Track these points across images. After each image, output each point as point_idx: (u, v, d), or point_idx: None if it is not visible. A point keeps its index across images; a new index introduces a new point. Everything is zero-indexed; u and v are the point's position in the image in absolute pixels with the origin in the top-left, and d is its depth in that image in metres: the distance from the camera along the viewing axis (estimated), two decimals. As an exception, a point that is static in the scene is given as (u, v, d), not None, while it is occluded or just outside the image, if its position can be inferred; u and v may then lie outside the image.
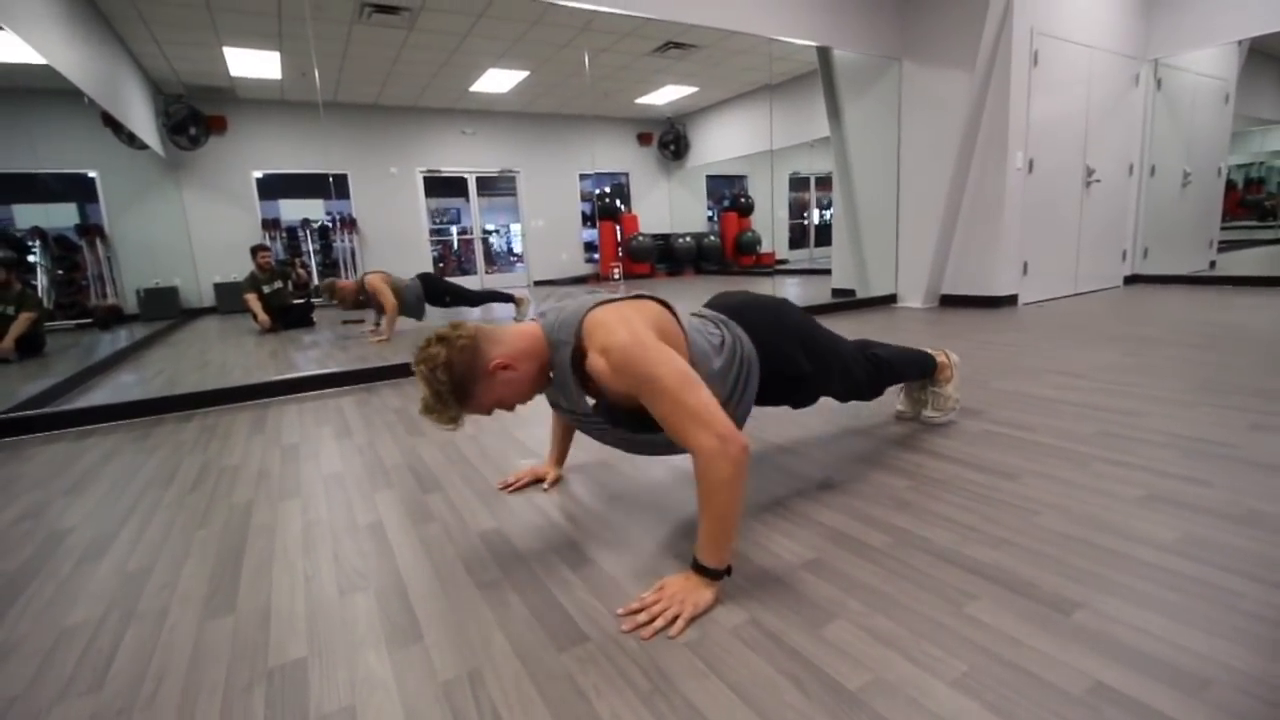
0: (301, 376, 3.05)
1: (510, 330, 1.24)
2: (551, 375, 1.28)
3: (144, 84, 6.30)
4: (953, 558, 1.22)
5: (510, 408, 1.25)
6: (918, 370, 1.96)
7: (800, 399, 1.58)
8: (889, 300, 5.16)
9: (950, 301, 4.86)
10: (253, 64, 6.14)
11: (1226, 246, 6.57)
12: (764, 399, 1.47)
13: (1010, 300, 4.63)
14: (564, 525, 1.46)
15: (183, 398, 2.77)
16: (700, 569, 1.11)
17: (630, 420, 1.24)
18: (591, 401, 1.28)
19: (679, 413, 1.09)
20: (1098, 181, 5.04)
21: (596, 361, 1.15)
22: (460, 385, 1.15)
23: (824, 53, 5.22)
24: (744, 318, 1.44)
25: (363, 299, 4.75)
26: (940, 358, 2.00)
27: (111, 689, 0.98)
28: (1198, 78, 5.57)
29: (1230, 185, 6.66)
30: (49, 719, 0.92)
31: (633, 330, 1.15)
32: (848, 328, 4.09)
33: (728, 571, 1.12)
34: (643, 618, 1.06)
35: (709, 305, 1.54)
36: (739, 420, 1.36)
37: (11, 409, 2.57)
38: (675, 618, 1.05)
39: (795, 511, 1.46)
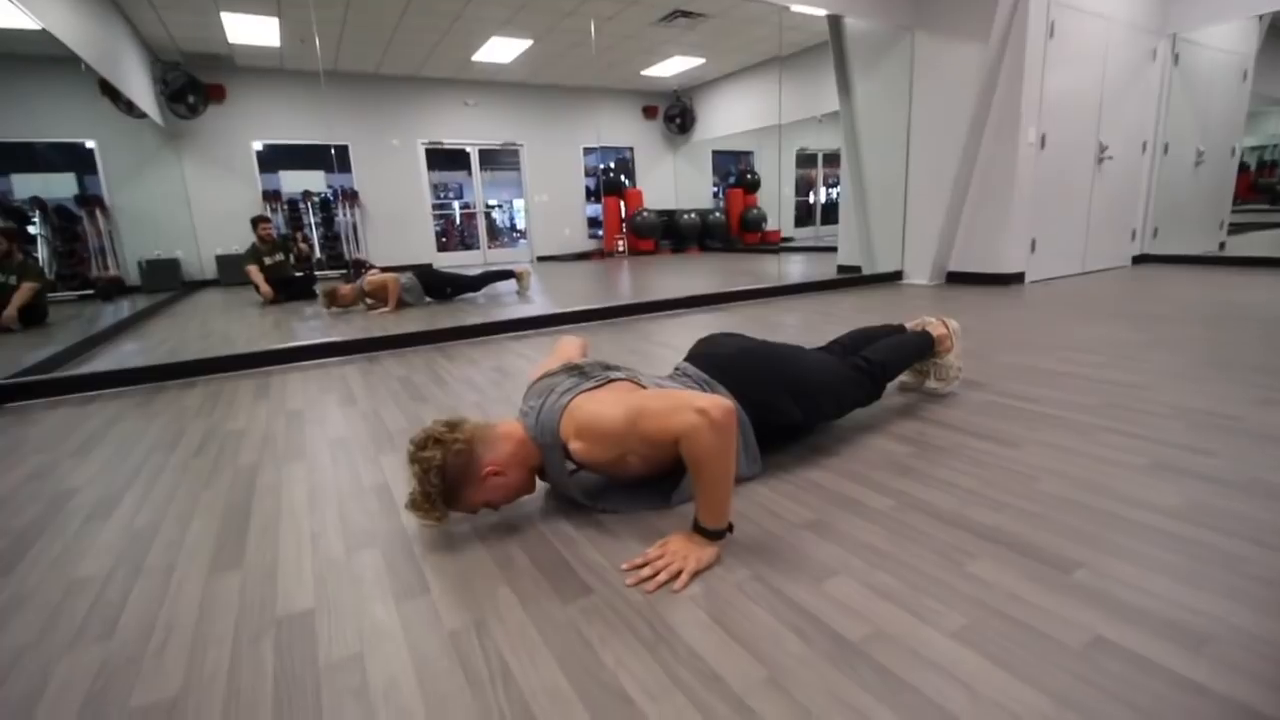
0: (305, 345, 3.06)
1: (499, 433, 1.25)
2: (547, 474, 1.32)
3: (141, 50, 6.21)
4: (954, 520, 1.23)
5: (495, 508, 1.28)
6: (915, 356, 1.95)
7: (796, 437, 1.65)
8: (895, 277, 5.13)
9: (957, 279, 4.83)
10: (251, 30, 6.04)
11: (1236, 229, 6.49)
12: (760, 443, 1.49)
13: (1017, 278, 4.60)
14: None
15: (186, 364, 2.78)
16: (701, 530, 1.12)
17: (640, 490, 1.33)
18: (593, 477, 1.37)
19: (654, 420, 1.11)
20: (1110, 159, 4.97)
21: (577, 447, 1.20)
22: (451, 488, 1.17)
23: (835, 22, 5.12)
24: (729, 375, 1.46)
25: (369, 302, 4.71)
26: (939, 329, 1.98)
27: (121, 638, 0.99)
28: (1216, 53, 5.46)
29: (1243, 167, 6.57)
30: (60, 666, 0.93)
31: (597, 401, 1.22)
32: (852, 305, 4.08)
33: (729, 529, 1.13)
34: (646, 572, 1.08)
35: (690, 357, 1.56)
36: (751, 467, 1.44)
37: (15, 375, 2.58)
38: (679, 572, 1.06)
39: (797, 476, 1.47)
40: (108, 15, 5.13)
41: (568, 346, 1.62)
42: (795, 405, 1.49)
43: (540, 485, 1.39)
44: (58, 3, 3.89)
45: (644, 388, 1.32)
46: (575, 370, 1.36)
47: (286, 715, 0.81)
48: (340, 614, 1.02)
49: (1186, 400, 1.88)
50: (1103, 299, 3.80)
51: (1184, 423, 1.70)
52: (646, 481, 1.36)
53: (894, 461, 1.53)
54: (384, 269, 5.08)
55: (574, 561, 1.15)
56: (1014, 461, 1.49)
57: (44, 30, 3.69)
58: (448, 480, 1.16)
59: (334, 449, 1.81)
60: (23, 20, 3.60)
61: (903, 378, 2.11)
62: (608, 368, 1.40)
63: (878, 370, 1.73)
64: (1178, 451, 1.51)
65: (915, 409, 1.92)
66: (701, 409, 1.06)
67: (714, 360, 1.50)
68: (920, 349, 1.93)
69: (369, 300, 4.69)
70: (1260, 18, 5.38)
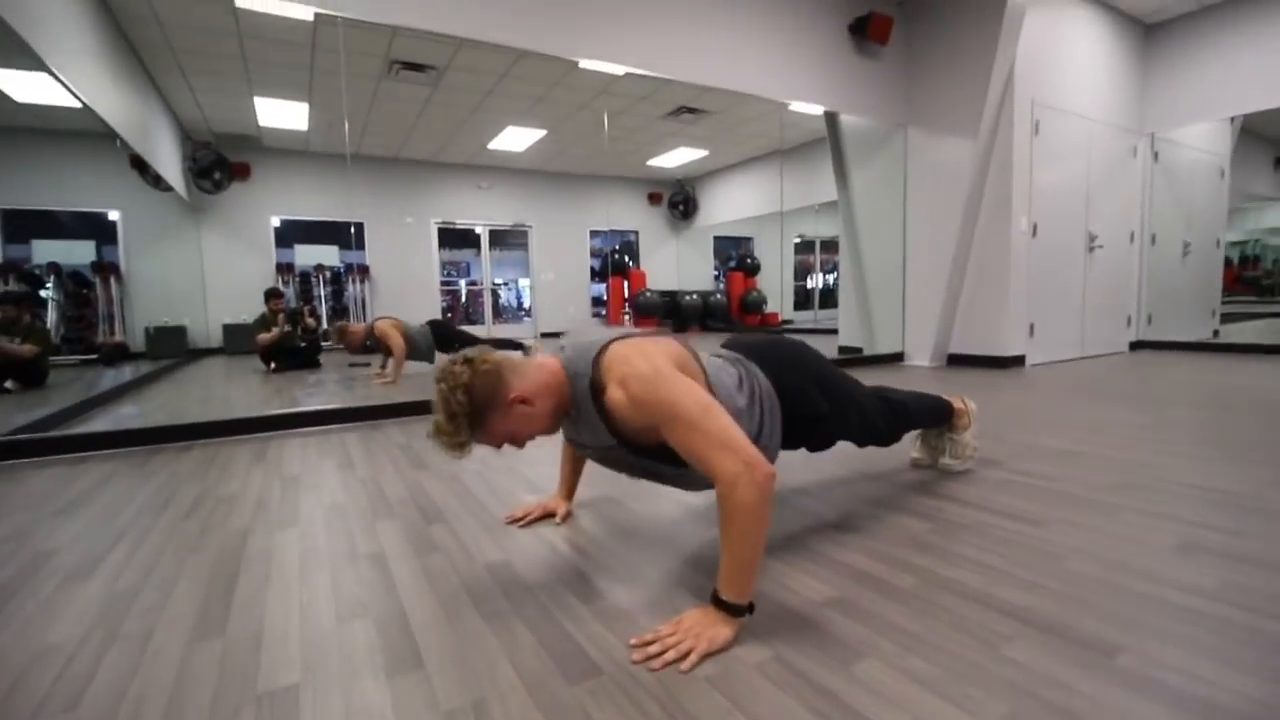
0: (305, 411, 3.02)
1: (532, 364, 1.22)
2: (571, 411, 1.25)
3: (174, 128, 6.54)
4: (983, 599, 1.16)
5: (520, 444, 1.21)
6: (934, 417, 1.92)
7: (818, 441, 1.54)
8: (897, 358, 5.16)
9: (958, 361, 4.86)
10: (281, 114, 6.38)
11: (1227, 318, 6.61)
12: (783, 441, 1.44)
13: (1018, 361, 4.63)
14: (573, 558, 1.40)
15: (182, 428, 2.73)
16: (720, 604, 1.05)
17: (653, 453, 1.21)
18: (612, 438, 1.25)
19: (701, 439, 1.06)
20: (1100, 248, 5.12)
21: (615, 394, 1.13)
22: (477, 411, 1.12)
23: (832, 118, 5.41)
24: (760, 358, 1.43)
25: (370, 344, 4.75)
26: (958, 404, 1.96)
27: (88, 710, 0.91)
28: (1193, 152, 5.76)
29: (1226, 262, 6.77)
30: (17, 739, 0.85)
31: (651, 362, 1.14)
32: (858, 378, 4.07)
33: (750, 609, 1.06)
34: (654, 649, 1.00)
35: (725, 346, 1.52)
36: (770, 459, 1.32)
37: (6, 434, 2.53)
38: (688, 652, 0.99)
39: (814, 551, 1.40)
40: (146, 95, 5.43)
41: None
42: (822, 394, 1.44)
43: (540, 548, 1.32)
44: (102, 84, 4.13)
45: (703, 368, 1.26)
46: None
47: (261, 803, 0.73)
48: (327, 689, 0.94)
49: (1203, 480, 1.83)
50: (1104, 382, 3.80)
51: (1205, 503, 1.65)
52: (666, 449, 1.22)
53: (913, 538, 1.47)
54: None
55: (580, 638, 1.07)
56: (1039, 540, 1.43)
57: (84, 108, 3.90)
58: (474, 400, 1.10)
59: (329, 515, 1.74)
60: (66, 98, 3.81)
61: (915, 454, 2.07)
62: None
63: (900, 410, 1.70)
64: (1206, 531, 1.45)
65: (930, 486, 1.86)
66: (748, 462, 1.02)
67: (745, 347, 1.46)
68: (940, 411, 1.90)
69: (369, 360, 4.67)
70: (1231, 120, 5.71)
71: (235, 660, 1.03)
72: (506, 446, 1.21)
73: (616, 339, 1.21)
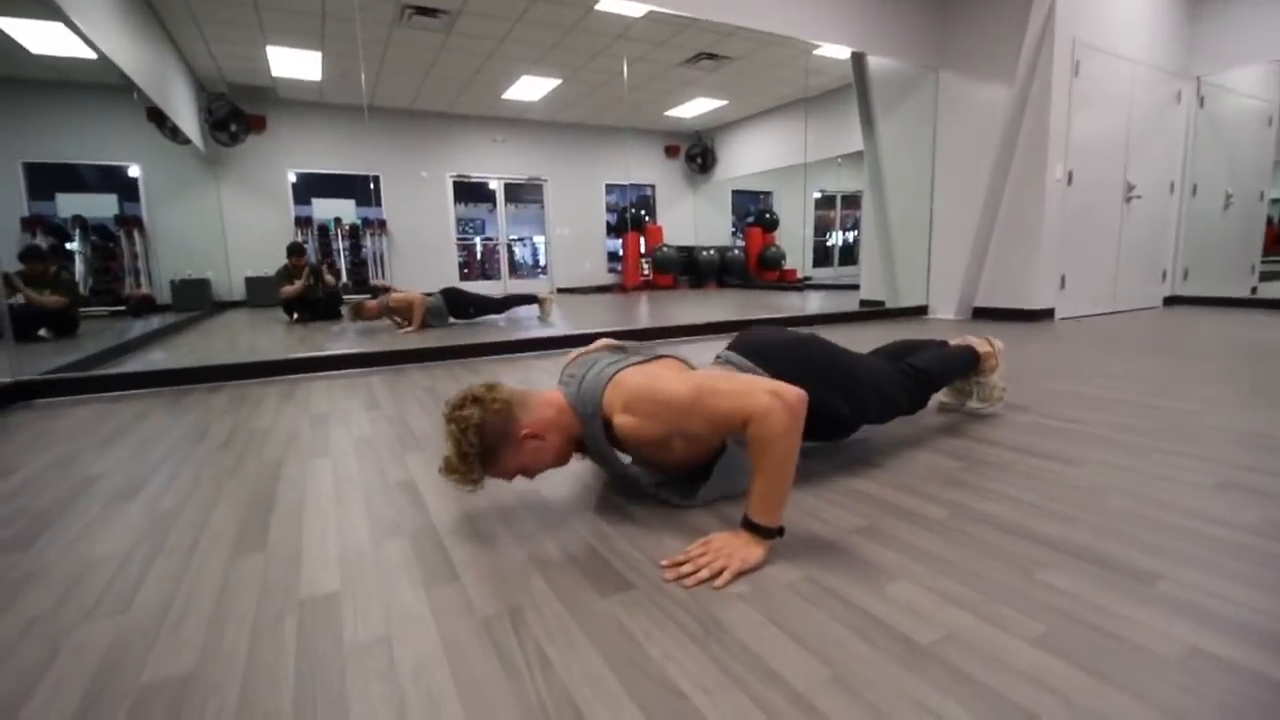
0: (331, 355, 3.05)
1: (539, 398, 1.21)
2: (586, 449, 1.27)
3: (189, 81, 6.48)
4: (1017, 530, 1.15)
5: (531, 476, 1.23)
6: (961, 370, 1.88)
7: (839, 436, 1.56)
8: (920, 311, 5.07)
9: (984, 314, 4.76)
10: (294, 64, 6.28)
11: (1267, 277, 6.38)
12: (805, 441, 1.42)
13: (1047, 314, 4.53)
14: (601, 490, 1.41)
15: (212, 369, 2.78)
16: (751, 526, 1.05)
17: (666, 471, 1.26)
18: (627, 459, 1.29)
19: (721, 401, 1.05)
20: (1138, 198, 4.94)
21: (622, 419, 1.14)
22: (488, 449, 1.12)
23: (859, 62, 5.21)
24: (772, 362, 1.38)
25: (385, 315, 4.77)
26: (983, 346, 1.92)
27: (137, 613, 0.94)
28: (1241, 98, 5.47)
29: (1268, 220, 6.49)
30: (71, 638, 0.88)
31: (647, 373, 1.16)
32: (879, 335, 4.02)
33: (780, 532, 1.06)
34: (687, 568, 1.01)
35: (732, 346, 1.48)
36: None
37: (47, 373, 2.59)
38: (721, 570, 1.00)
39: (844, 487, 1.40)
40: (161, 47, 5.37)
41: (605, 343, 1.57)
42: (842, 399, 1.42)
43: (568, 479, 1.33)
44: (118, 33, 4.07)
45: (693, 368, 1.27)
46: (618, 349, 1.32)
47: (309, 693, 0.75)
48: (366, 598, 0.97)
49: (1242, 424, 1.79)
50: (1138, 335, 3.71)
51: (1244, 446, 1.61)
52: (678, 472, 1.31)
53: (943, 474, 1.45)
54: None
55: (610, 556, 1.08)
56: (1073, 477, 1.41)
57: (100, 59, 3.86)
58: (485, 440, 1.11)
59: (359, 447, 1.77)
60: (82, 49, 3.77)
61: (942, 398, 2.04)
62: (652, 351, 1.36)
63: (924, 378, 1.66)
64: (1245, 472, 1.42)
65: (959, 428, 1.84)
66: (775, 391, 1.02)
67: (757, 349, 1.42)
68: (966, 363, 1.86)
69: (396, 318, 4.73)
70: (1287, 64, 5.39)
71: (276, 571, 1.06)
72: (519, 479, 1.24)
73: (622, 370, 1.20)
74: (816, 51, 5.75)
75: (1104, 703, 0.70)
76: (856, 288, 5.94)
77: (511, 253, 10.39)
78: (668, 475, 1.33)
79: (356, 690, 0.76)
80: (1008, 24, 4.23)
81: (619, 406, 1.15)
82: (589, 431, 1.21)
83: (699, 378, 1.12)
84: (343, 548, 1.14)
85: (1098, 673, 0.75)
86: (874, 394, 1.52)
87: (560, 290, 9.48)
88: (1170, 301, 5.50)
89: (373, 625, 0.89)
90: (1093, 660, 0.78)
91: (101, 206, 6.79)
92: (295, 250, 5.93)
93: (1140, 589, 0.94)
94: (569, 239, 9.77)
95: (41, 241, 6.24)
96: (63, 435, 1.98)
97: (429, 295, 4.80)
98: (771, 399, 1.01)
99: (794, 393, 1.02)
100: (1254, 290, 5.99)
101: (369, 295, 5.20)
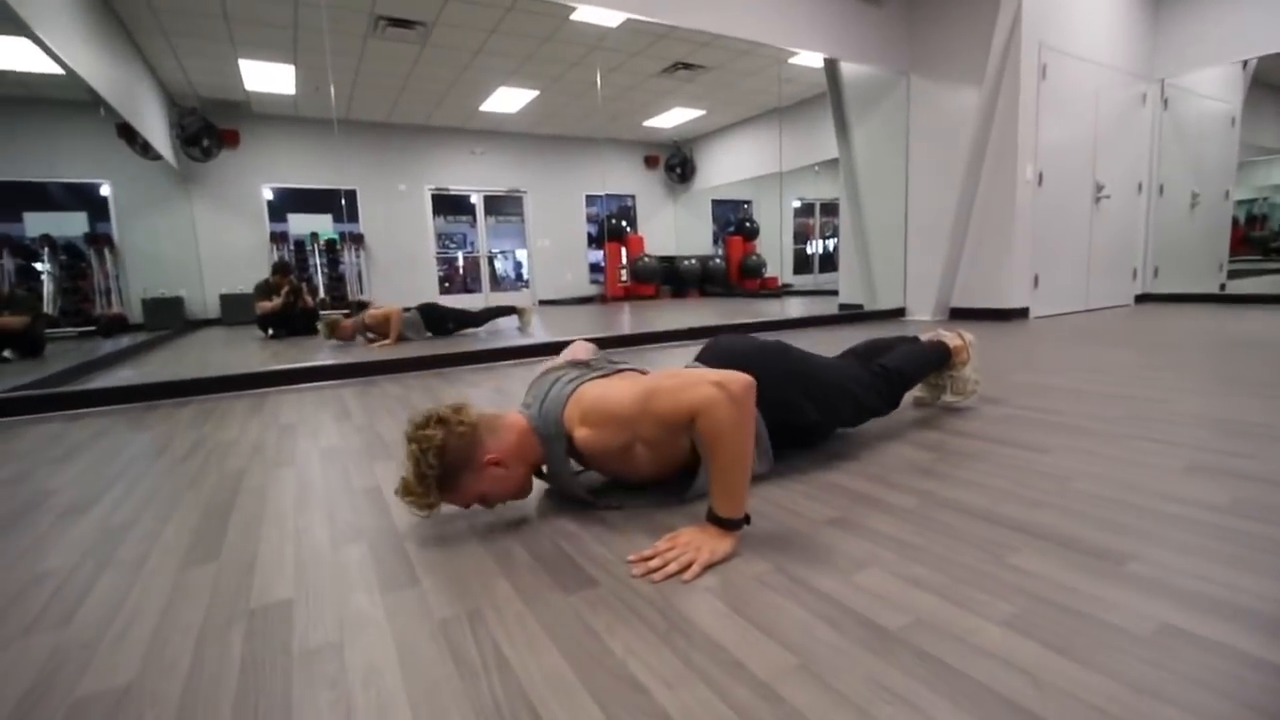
0: (302, 367, 3.00)
1: (504, 423, 1.18)
2: (548, 471, 1.26)
3: (160, 95, 6.40)
4: (987, 516, 1.14)
5: (490, 506, 1.20)
6: (933, 365, 1.89)
7: (811, 442, 1.56)
8: (898, 313, 5.11)
9: (960, 314, 4.81)
10: (267, 78, 6.23)
11: (1235, 274, 6.52)
12: (774, 446, 1.40)
13: (1021, 313, 4.58)
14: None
15: (179, 384, 2.71)
16: (716, 520, 1.03)
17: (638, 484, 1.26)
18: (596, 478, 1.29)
19: (666, 399, 1.04)
20: (1107, 197, 5.03)
21: (580, 433, 1.13)
22: (448, 474, 1.08)
23: (832, 68, 5.27)
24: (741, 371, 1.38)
25: (362, 334, 4.71)
26: (954, 340, 1.92)
27: (79, 625, 0.90)
28: (1204, 100, 5.61)
29: (1234, 222, 6.64)
30: (7, 652, 0.84)
31: (603, 386, 1.16)
32: (857, 337, 4.03)
33: (746, 520, 1.05)
34: (655, 563, 0.99)
35: (700, 357, 1.48)
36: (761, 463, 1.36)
37: (3, 391, 2.51)
38: (690, 564, 0.97)
39: (813, 478, 1.39)
40: (130, 61, 5.30)
41: (578, 349, 1.55)
42: (812, 405, 1.41)
43: (537, 487, 1.30)
44: (85, 48, 4.01)
45: None
46: (580, 365, 1.30)
47: (250, 703, 0.72)
48: (320, 603, 0.93)
49: (1212, 410, 1.80)
50: (1110, 331, 3.76)
51: (1213, 430, 1.62)
52: (651, 485, 1.29)
53: (915, 465, 1.45)
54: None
55: (577, 555, 1.06)
56: (1043, 464, 1.41)
57: (67, 75, 3.79)
58: (446, 463, 1.07)
59: (325, 456, 1.72)
60: (48, 65, 3.70)
61: (917, 392, 2.03)
62: (614, 364, 1.34)
63: (895, 377, 1.66)
64: (1214, 455, 1.43)
65: (933, 421, 1.84)
66: (718, 382, 1.00)
67: (723, 358, 1.42)
68: (938, 359, 1.86)
69: (370, 335, 4.66)
70: (1244, 65, 5.55)
71: (228, 580, 1.01)
72: (476, 507, 1.21)
73: (580, 385, 1.19)
74: (790, 60, 5.82)
75: (1074, 681, 0.69)
76: (836, 293, 5.98)
77: (493, 266, 10.35)
78: (643, 484, 1.31)
79: (302, 697, 0.72)
80: (975, 28, 4.31)
81: (577, 420, 1.13)
82: (551, 453, 1.19)
83: (645, 381, 1.10)
84: (300, 555, 1.10)
85: (1067, 651, 0.74)
86: (845, 398, 1.51)
87: (543, 302, 9.45)
88: (1142, 299, 5.59)
89: (324, 631, 0.86)
90: (1062, 640, 0.76)
91: (71, 225, 6.66)
92: (280, 268, 5.85)
93: (1110, 569, 0.93)
94: (550, 251, 9.75)
95: (7, 262, 6.12)
96: (18, 453, 1.92)
97: (406, 310, 4.74)
98: (715, 390, 0.99)
99: (739, 380, 1.01)
100: (1222, 287, 6.12)
101: (346, 312, 5.14)
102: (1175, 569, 0.92)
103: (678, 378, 1.07)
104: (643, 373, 1.29)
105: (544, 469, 1.27)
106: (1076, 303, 5.01)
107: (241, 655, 0.81)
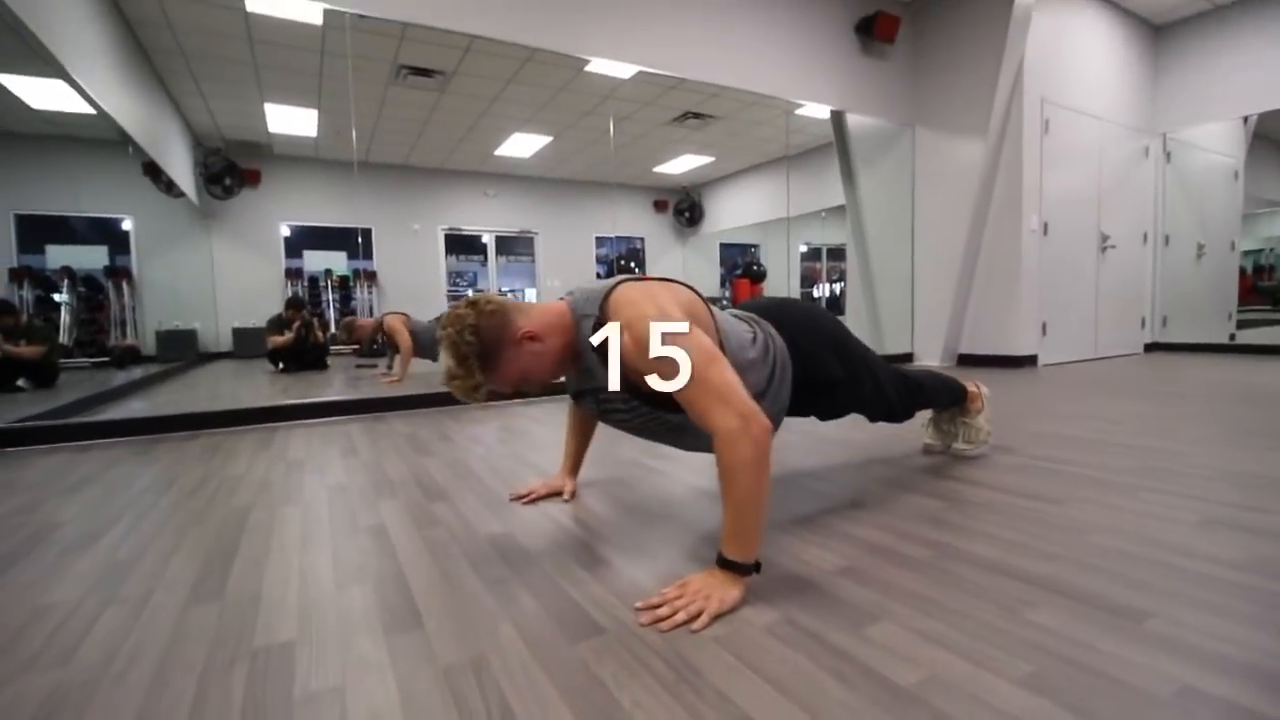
0: (310, 403, 3.01)
1: (538, 305, 1.21)
2: (575, 356, 1.21)
3: (186, 136, 6.62)
4: (1002, 569, 1.12)
5: (535, 386, 1.19)
6: (949, 397, 1.89)
7: (830, 407, 1.51)
8: (905, 359, 5.11)
9: (968, 360, 4.80)
10: (290, 121, 6.45)
11: (1245, 324, 6.51)
12: (794, 406, 1.40)
13: (1030, 360, 4.57)
14: (577, 531, 1.37)
15: (188, 417, 2.73)
16: (726, 564, 1.02)
17: (655, 399, 1.16)
18: (616, 384, 1.21)
19: (700, 389, 1.03)
20: (1113, 248, 5.07)
21: (623, 338, 1.10)
22: (487, 351, 1.10)
23: (839, 119, 5.41)
24: (776, 318, 1.40)
25: (379, 341, 4.75)
26: (971, 388, 1.93)
27: (80, 664, 0.89)
28: (1207, 154, 5.71)
29: (1241, 271, 6.68)
30: (6, 690, 0.83)
31: (659, 306, 1.10)
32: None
33: (756, 568, 1.03)
34: (663, 611, 0.97)
35: (739, 308, 1.50)
36: (773, 420, 1.28)
37: (15, 421, 2.53)
38: (699, 613, 0.96)
39: (825, 527, 1.37)
40: (159, 103, 5.50)
41: None
42: (838, 362, 1.41)
43: (543, 521, 1.29)
44: (117, 90, 4.18)
45: (714, 318, 1.22)
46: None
47: (252, 749, 0.70)
48: (323, 646, 0.92)
49: (1227, 464, 1.78)
50: (1120, 379, 3.74)
51: (1228, 484, 1.60)
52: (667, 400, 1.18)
53: (927, 514, 1.43)
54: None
55: (583, 600, 1.04)
56: (1058, 517, 1.39)
57: (98, 114, 3.95)
58: (482, 340, 1.09)
59: (331, 494, 1.72)
60: (80, 105, 3.86)
61: (927, 439, 2.03)
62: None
63: (914, 387, 1.67)
64: (1229, 509, 1.40)
65: (943, 469, 1.82)
66: (744, 415, 0.99)
67: (760, 309, 1.43)
68: (953, 391, 1.86)
69: (381, 357, 4.67)
70: (1245, 121, 5.65)
71: (231, 620, 1.00)
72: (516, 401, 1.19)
73: (625, 280, 1.17)
74: (798, 111, 5.97)
75: (1093, 746, 0.67)
76: (843, 336, 6.00)
77: (502, 304, 10.45)
78: (655, 400, 1.19)
79: (303, 743, 0.71)
80: (979, 83, 4.44)
81: (621, 320, 1.10)
82: (581, 333, 1.16)
83: (703, 348, 1.06)
84: (304, 596, 1.09)
85: (1087, 712, 0.72)
86: (867, 371, 1.52)
87: (550, 340, 9.50)
88: (1151, 348, 5.58)
89: (327, 675, 0.84)
90: (1081, 700, 0.74)
91: (92, 258, 6.81)
92: (294, 304, 5.95)
93: (1129, 626, 0.91)
94: (560, 290, 9.85)
95: (27, 293, 6.24)
96: (28, 483, 1.92)
97: (425, 323, 4.78)
98: (739, 423, 0.99)
99: (761, 424, 1.00)
100: (1232, 337, 6.10)
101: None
102: (1194, 627, 0.90)
103: (719, 378, 1.04)
104: (689, 288, 1.23)
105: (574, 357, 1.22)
106: (1085, 351, 5.01)
107: (243, 699, 0.79)
